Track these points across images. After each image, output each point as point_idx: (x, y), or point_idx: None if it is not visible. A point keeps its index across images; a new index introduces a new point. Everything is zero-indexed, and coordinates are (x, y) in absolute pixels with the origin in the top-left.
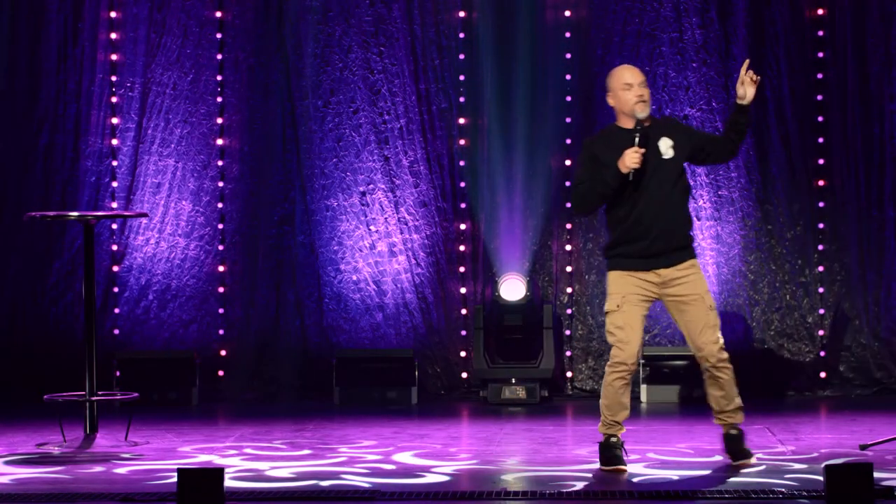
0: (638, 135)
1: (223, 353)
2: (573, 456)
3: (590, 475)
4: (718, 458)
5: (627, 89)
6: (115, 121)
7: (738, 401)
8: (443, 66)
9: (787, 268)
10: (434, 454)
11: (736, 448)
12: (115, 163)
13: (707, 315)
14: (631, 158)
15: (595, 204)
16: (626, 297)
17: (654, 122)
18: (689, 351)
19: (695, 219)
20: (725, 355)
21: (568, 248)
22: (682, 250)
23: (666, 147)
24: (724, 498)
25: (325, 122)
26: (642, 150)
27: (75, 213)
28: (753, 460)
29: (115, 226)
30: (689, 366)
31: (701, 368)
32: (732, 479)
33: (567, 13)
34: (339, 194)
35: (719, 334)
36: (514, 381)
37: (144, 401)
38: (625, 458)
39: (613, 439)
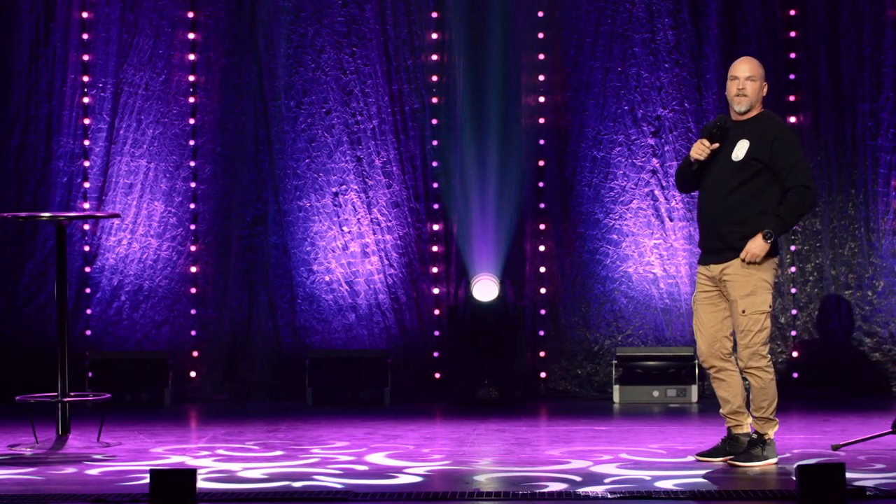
0: (716, 130)
1: (195, 353)
2: (546, 456)
3: (562, 475)
4: (690, 458)
5: (732, 81)
6: (86, 121)
7: (761, 411)
8: (415, 67)
9: None
10: (407, 455)
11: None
12: (87, 163)
13: (738, 319)
14: (695, 149)
15: (679, 182)
16: (695, 296)
17: (752, 120)
18: (661, 351)
19: (667, 219)
20: (755, 362)
21: (541, 248)
22: (728, 251)
23: (740, 149)
24: (696, 498)
25: (297, 123)
26: (712, 146)
27: (47, 214)
28: (754, 467)
29: (87, 226)
30: (661, 366)
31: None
32: (704, 480)
33: (540, 14)
34: (311, 195)
35: (751, 339)
36: (487, 381)
37: (117, 402)
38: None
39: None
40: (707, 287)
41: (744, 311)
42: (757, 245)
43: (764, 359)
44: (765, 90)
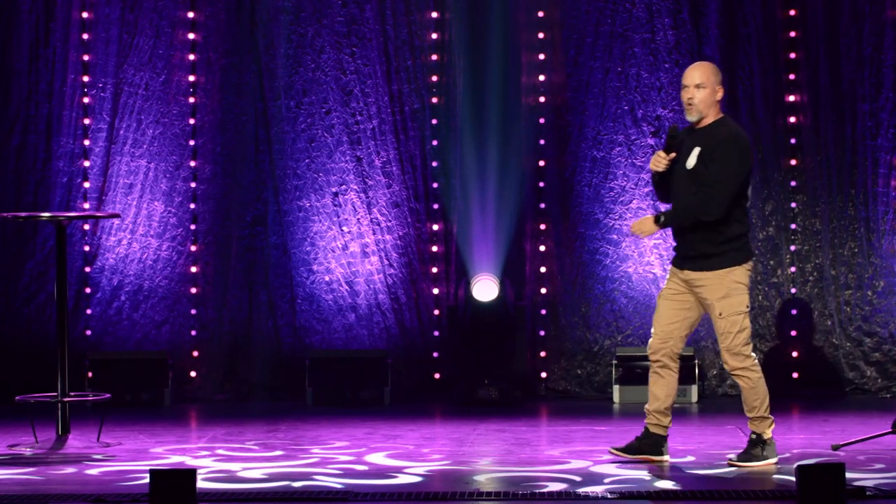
0: (670, 140)
1: (195, 353)
2: (546, 456)
3: (562, 475)
4: (690, 458)
5: (683, 89)
6: (87, 121)
7: (754, 411)
8: (415, 67)
9: (760, 268)
10: (407, 455)
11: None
12: (87, 163)
13: (716, 322)
14: (653, 161)
15: (656, 194)
16: (662, 292)
17: (707, 128)
18: None
19: None
20: (739, 363)
21: (541, 248)
22: (700, 259)
23: (692, 157)
24: (696, 498)
25: (297, 123)
26: (669, 157)
27: (47, 214)
28: (754, 467)
29: (87, 227)
30: None
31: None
32: (704, 480)
33: (540, 14)
34: (311, 195)
35: (731, 341)
36: (487, 381)
37: (116, 402)
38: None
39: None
40: (675, 285)
41: (721, 314)
42: (645, 222)
43: (748, 359)
44: (719, 95)
